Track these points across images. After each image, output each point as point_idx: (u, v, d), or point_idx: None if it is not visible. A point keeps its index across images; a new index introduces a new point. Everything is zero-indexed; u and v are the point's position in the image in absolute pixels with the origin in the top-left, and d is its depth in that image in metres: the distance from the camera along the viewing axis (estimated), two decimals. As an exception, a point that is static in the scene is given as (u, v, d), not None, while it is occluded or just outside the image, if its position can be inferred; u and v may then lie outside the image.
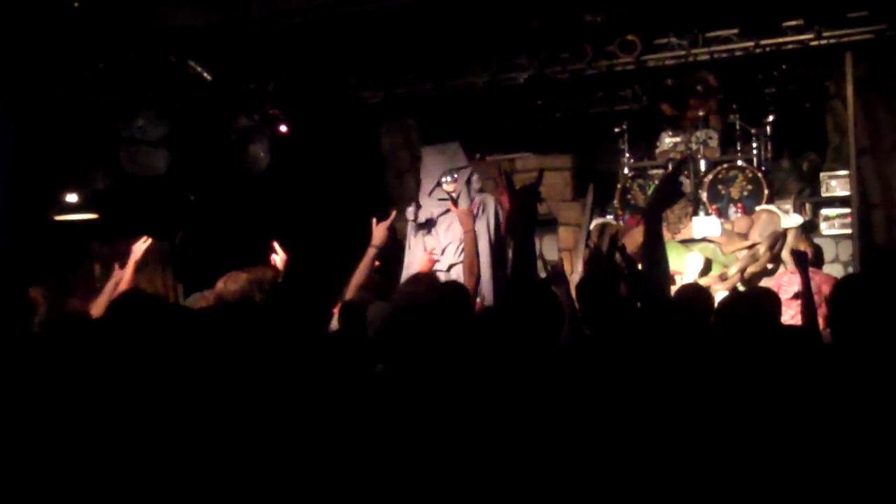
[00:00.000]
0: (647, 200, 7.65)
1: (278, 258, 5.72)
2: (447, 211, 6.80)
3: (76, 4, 6.49)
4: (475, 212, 6.67)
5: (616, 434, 3.08)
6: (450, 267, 6.71)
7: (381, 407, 3.22)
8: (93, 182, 8.57)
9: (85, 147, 8.31)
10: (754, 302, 3.90)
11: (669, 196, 5.28)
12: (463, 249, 6.25)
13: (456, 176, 6.88)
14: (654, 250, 3.95)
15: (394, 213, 6.22)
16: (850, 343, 3.23)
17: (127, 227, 8.36)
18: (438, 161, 7.07)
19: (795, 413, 3.02)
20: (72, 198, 8.66)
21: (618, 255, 5.42)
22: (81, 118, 8.07)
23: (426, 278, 5.37)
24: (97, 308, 5.27)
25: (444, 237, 6.90)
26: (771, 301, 4.00)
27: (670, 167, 8.98)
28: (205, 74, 8.61)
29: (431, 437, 3.12)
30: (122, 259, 5.73)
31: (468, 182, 6.97)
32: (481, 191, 7.05)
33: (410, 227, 7.12)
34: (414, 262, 6.90)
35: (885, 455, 2.87)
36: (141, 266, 6.00)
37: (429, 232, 7.03)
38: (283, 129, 9.47)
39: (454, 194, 6.77)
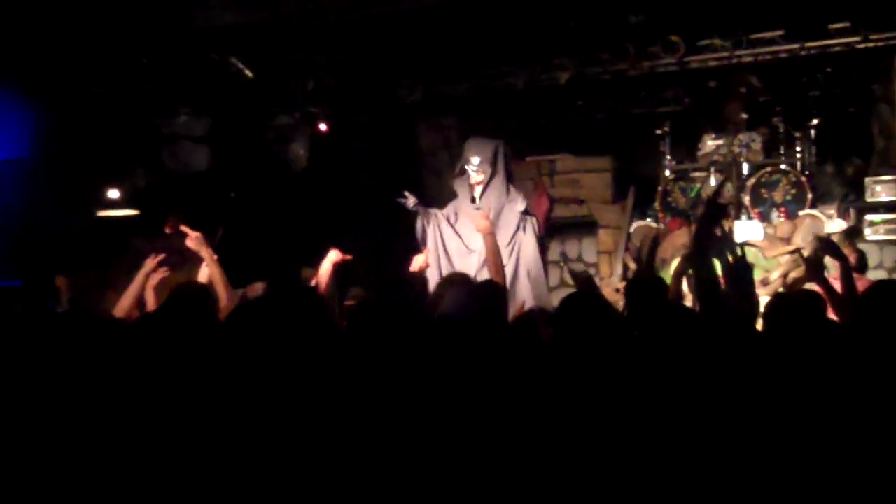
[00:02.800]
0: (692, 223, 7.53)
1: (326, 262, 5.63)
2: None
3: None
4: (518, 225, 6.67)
5: (663, 435, 3.04)
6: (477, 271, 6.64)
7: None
8: (134, 178, 8.63)
9: (126, 143, 8.36)
10: (801, 302, 3.82)
11: (715, 215, 5.22)
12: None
13: (481, 165, 6.81)
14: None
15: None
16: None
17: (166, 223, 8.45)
18: (471, 152, 7.02)
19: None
20: (113, 193, 8.71)
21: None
22: (123, 114, 8.12)
23: (462, 278, 5.34)
24: (125, 300, 5.29)
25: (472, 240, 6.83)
26: (817, 300, 3.93)
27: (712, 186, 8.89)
28: (246, 72, 8.64)
29: (483, 430, 3.10)
30: (158, 251, 5.74)
31: (508, 178, 6.92)
32: (527, 213, 6.97)
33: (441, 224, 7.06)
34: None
35: None
36: (182, 261, 6.01)
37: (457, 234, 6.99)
38: (323, 127, 9.48)
39: (480, 185, 6.74)
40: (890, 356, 3.12)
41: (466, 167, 6.89)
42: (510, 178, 7.03)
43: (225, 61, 8.56)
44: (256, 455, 2.85)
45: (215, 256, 5.48)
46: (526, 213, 6.91)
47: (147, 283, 5.36)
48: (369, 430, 2.96)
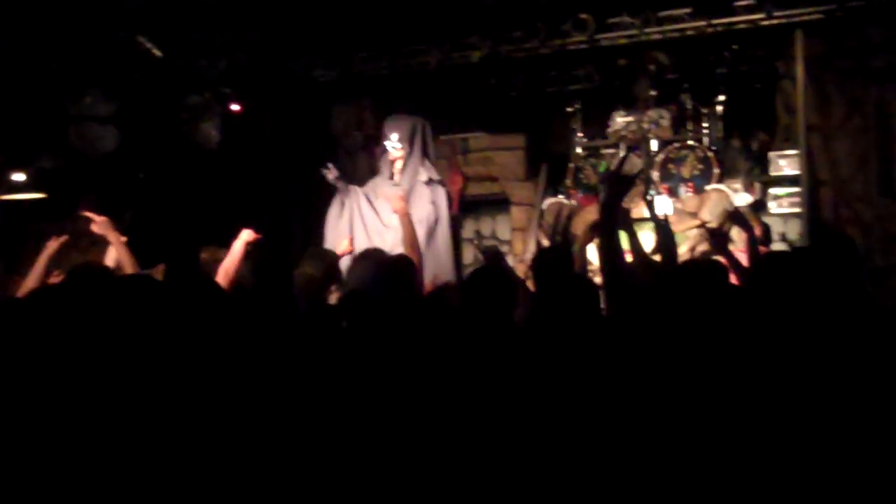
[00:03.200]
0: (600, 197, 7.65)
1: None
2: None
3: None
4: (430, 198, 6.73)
5: (578, 414, 3.10)
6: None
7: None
8: (40, 161, 8.44)
9: (32, 125, 8.17)
10: (704, 269, 3.92)
11: (620, 190, 5.31)
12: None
13: (399, 142, 6.89)
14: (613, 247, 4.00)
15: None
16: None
17: (75, 206, 8.28)
18: (389, 129, 7.09)
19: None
20: (18, 177, 8.52)
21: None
22: (28, 95, 7.93)
23: (372, 253, 5.38)
24: (29, 282, 5.21)
25: (389, 217, 6.88)
26: (718, 268, 4.03)
27: (616, 161, 9.02)
28: (154, 51, 8.50)
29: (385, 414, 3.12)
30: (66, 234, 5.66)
31: (423, 156, 6.98)
32: (437, 181, 7.03)
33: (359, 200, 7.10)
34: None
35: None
36: (89, 244, 5.93)
37: (374, 210, 7.03)
38: (235, 107, 9.38)
39: (399, 161, 6.82)
40: (781, 318, 3.22)
41: (385, 143, 6.96)
42: (426, 156, 7.09)
43: (133, 40, 8.41)
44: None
45: (123, 239, 5.41)
46: (431, 182, 6.97)
47: (47, 263, 5.29)
48: (265, 410, 2.98)
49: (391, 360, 3.36)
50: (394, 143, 6.98)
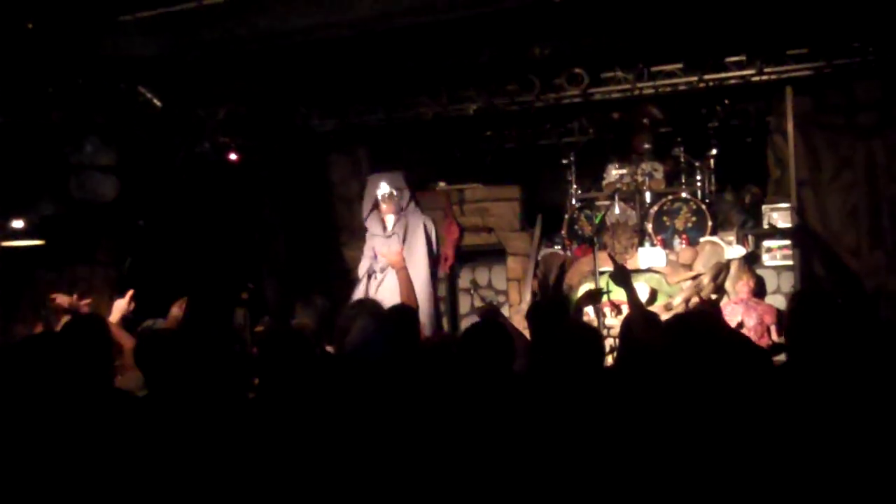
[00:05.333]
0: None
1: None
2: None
3: (29, 26, 6.45)
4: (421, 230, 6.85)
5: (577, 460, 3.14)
6: None
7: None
8: (40, 208, 8.48)
9: (33, 172, 8.23)
10: (698, 320, 3.97)
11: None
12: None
13: (390, 194, 7.00)
14: None
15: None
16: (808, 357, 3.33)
17: (74, 253, 8.33)
18: (378, 185, 7.19)
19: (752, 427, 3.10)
20: (18, 223, 8.55)
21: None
22: (30, 143, 8.00)
23: (375, 305, 5.41)
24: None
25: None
26: (712, 318, 4.09)
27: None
28: (154, 101, 8.60)
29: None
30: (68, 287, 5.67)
31: (406, 207, 7.09)
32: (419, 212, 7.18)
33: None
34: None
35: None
36: (88, 293, 5.96)
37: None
38: (233, 157, 9.47)
39: (390, 215, 6.92)
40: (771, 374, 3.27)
41: (377, 196, 7.06)
42: (416, 203, 7.22)
43: (134, 90, 8.51)
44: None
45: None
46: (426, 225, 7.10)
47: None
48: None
49: (392, 419, 3.40)
50: (384, 197, 7.12)
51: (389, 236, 7.10)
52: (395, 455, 3.18)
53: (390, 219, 7.21)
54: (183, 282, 6.74)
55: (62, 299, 5.30)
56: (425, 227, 7.09)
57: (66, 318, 5.25)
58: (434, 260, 7.19)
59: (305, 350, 3.60)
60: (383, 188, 7.11)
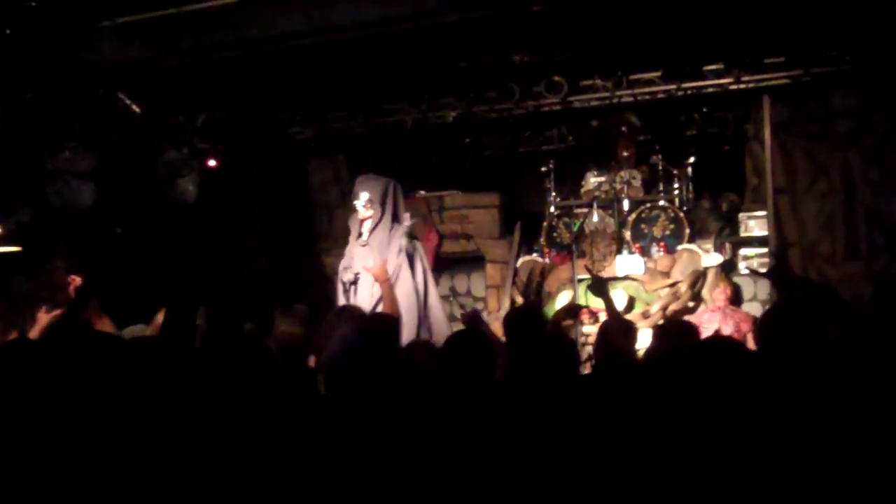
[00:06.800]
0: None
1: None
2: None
3: (7, 32, 6.42)
4: (406, 251, 6.77)
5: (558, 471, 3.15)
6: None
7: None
8: (17, 214, 8.44)
9: (10, 178, 8.19)
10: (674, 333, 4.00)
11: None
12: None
13: (368, 201, 6.90)
14: None
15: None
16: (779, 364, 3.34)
17: (51, 260, 8.28)
18: (358, 195, 7.09)
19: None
20: (-6, 230, 8.51)
21: None
22: (7, 149, 7.96)
23: (356, 312, 5.42)
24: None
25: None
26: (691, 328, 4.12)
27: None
28: (133, 107, 8.57)
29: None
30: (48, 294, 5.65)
31: (381, 219, 6.98)
32: (413, 237, 7.06)
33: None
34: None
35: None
36: (66, 300, 5.92)
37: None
38: (212, 163, 9.46)
39: (369, 221, 6.84)
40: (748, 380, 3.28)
41: (355, 203, 6.98)
42: (396, 217, 7.10)
43: (112, 96, 8.48)
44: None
45: None
46: (409, 238, 7.00)
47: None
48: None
49: (370, 430, 3.40)
50: (363, 203, 6.97)
51: (364, 245, 7.02)
52: (375, 468, 3.18)
53: (367, 225, 7.12)
54: (161, 289, 6.70)
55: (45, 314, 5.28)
56: (401, 244, 6.96)
57: (42, 325, 5.23)
58: (423, 270, 7.09)
59: (267, 363, 3.58)
60: (361, 197, 7.01)
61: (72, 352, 3.42)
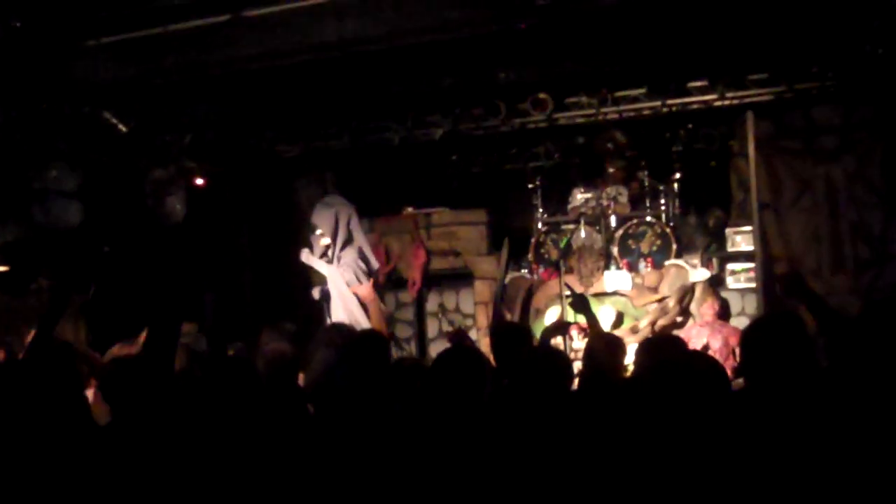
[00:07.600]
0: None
1: None
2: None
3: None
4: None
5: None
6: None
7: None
8: (2, 233, 8.41)
9: (-5, 196, 8.17)
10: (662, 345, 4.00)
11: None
12: None
13: (321, 235, 7.19)
14: None
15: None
16: (765, 386, 3.35)
17: (37, 279, 8.25)
18: (315, 219, 7.38)
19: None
20: (-21, 248, 8.47)
21: None
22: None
23: (345, 328, 5.43)
24: None
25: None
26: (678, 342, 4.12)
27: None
28: (120, 126, 8.56)
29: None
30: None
31: (346, 243, 7.23)
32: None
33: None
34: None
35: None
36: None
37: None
38: (199, 181, 9.45)
39: (329, 250, 7.10)
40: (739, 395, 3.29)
41: (311, 235, 7.29)
42: (349, 242, 7.36)
43: (98, 115, 8.47)
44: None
45: None
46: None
47: None
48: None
49: (360, 448, 3.39)
50: (317, 235, 7.31)
51: (329, 262, 7.30)
52: (365, 487, 3.18)
53: (328, 251, 7.41)
54: (147, 307, 6.69)
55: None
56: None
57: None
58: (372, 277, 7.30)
59: (253, 382, 3.58)
60: (315, 231, 7.33)
61: (47, 372, 3.42)
